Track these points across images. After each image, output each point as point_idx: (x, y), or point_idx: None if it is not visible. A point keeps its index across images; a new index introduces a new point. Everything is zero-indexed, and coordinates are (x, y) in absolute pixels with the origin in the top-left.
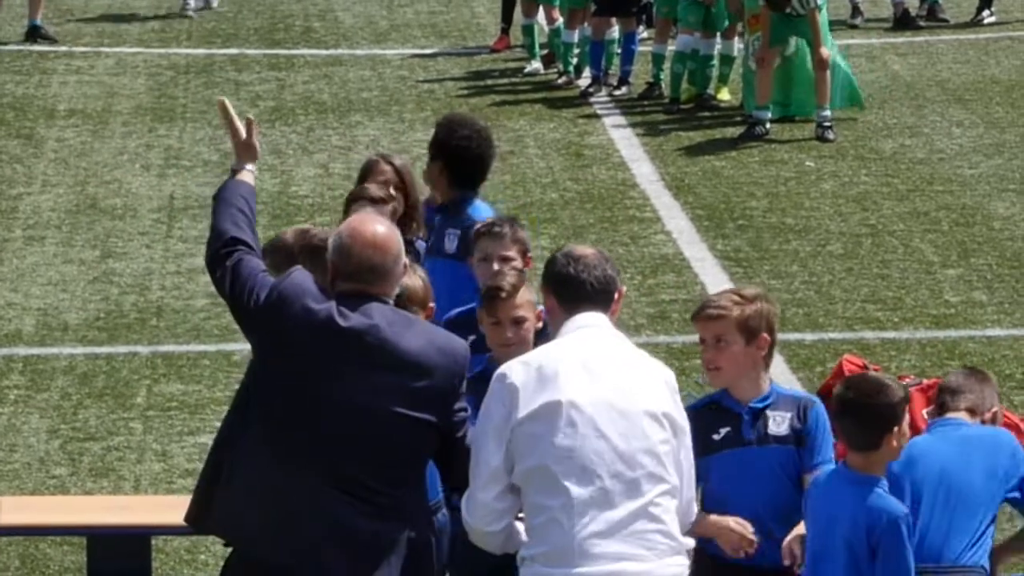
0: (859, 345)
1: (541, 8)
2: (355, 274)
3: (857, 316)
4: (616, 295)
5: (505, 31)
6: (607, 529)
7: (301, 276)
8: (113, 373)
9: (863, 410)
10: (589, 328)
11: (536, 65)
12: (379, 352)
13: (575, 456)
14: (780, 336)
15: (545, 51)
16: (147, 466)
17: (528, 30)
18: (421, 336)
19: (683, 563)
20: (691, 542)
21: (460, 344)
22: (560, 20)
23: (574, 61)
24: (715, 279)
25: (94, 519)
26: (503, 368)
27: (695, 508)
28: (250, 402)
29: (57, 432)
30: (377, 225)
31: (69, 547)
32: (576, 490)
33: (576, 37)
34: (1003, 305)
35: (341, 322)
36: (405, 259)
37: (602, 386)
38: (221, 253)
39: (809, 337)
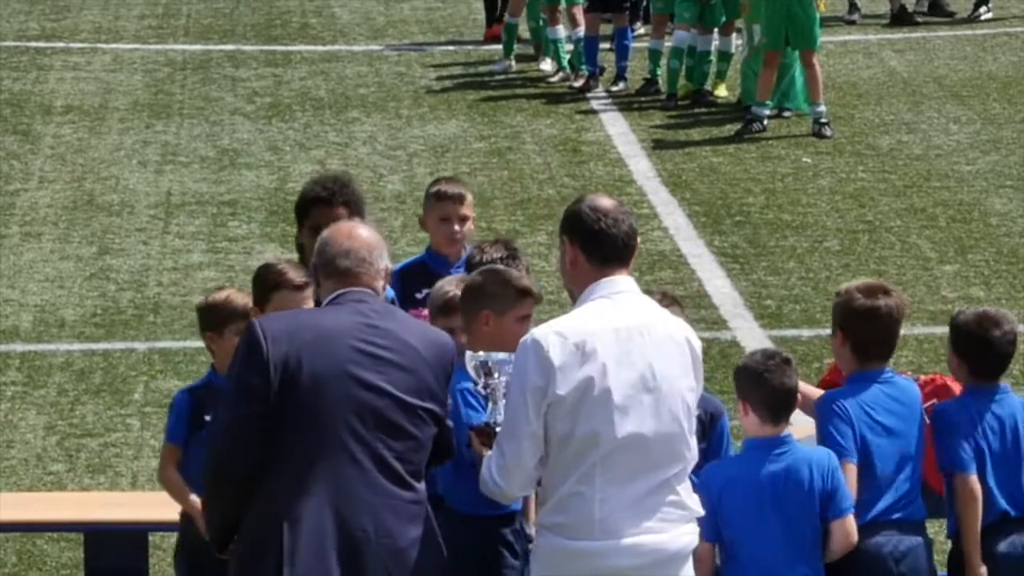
0: None
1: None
2: (338, 270)
3: None
4: (636, 248)
5: (496, 21)
6: (628, 504)
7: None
8: (110, 369)
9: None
10: (622, 295)
11: (547, 67)
12: (381, 347)
13: (604, 433)
14: (778, 332)
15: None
16: (144, 462)
17: (539, 32)
18: (412, 327)
19: (694, 530)
20: (700, 509)
21: (446, 336)
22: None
23: (567, 57)
24: (712, 275)
25: (91, 515)
26: (540, 337)
27: None
28: (269, 424)
29: (54, 428)
30: (357, 228)
31: (66, 543)
32: (602, 466)
33: (562, 33)
34: (1000, 301)
35: (353, 341)
36: (387, 262)
37: (636, 364)
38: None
39: (806, 333)
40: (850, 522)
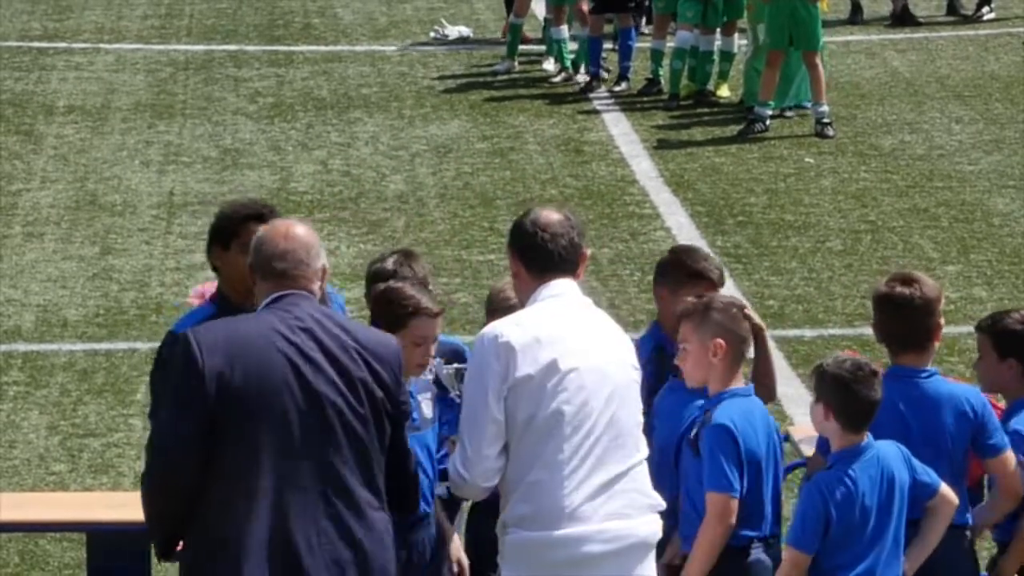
0: (858, 341)
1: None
2: (275, 272)
3: (857, 312)
4: (581, 259)
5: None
6: (596, 491)
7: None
8: (113, 369)
9: None
10: (564, 296)
11: (550, 67)
12: (321, 350)
13: (571, 417)
14: (780, 332)
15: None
16: None
17: (549, 37)
18: (354, 329)
19: (659, 521)
20: (663, 502)
21: (390, 337)
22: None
23: (570, 57)
24: None
25: (93, 516)
26: (494, 328)
27: None
28: (213, 429)
29: (56, 428)
30: (294, 227)
31: (68, 543)
32: (569, 451)
33: (566, 33)
34: (1003, 301)
35: (293, 337)
36: (324, 261)
37: (596, 353)
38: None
39: (808, 333)
40: (945, 490)
